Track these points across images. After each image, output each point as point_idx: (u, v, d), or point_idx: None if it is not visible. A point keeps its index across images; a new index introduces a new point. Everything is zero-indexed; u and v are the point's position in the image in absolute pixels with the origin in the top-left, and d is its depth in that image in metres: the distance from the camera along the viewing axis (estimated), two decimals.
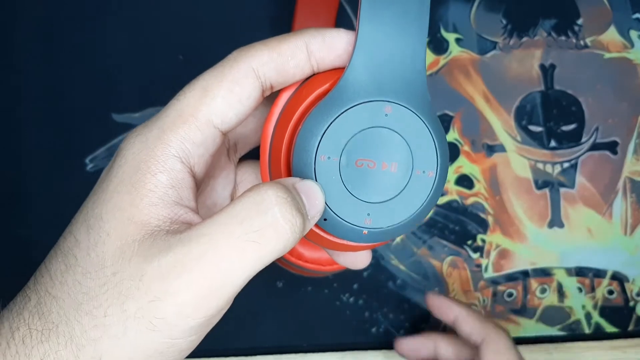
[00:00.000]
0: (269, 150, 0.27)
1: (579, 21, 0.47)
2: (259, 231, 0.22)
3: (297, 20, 0.43)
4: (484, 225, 0.45)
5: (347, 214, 0.25)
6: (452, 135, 0.46)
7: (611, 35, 0.47)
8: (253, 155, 0.30)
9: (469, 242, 0.45)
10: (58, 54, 0.45)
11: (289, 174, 0.25)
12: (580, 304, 0.45)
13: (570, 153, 0.46)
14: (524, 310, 0.45)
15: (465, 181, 0.46)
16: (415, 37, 0.25)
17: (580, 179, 0.46)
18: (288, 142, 0.25)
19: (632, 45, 0.47)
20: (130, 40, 0.45)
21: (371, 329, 0.44)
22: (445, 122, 0.46)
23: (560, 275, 0.45)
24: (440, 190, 0.26)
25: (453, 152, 0.46)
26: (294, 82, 0.26)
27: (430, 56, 0.46)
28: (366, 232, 0.25)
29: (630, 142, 0.47)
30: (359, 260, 0.29)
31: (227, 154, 0.30)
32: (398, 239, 0.45)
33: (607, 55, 0.47)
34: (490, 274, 0.45)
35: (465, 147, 0.46)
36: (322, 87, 0.25)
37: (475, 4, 0.47)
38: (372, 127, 0.24)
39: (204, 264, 0.21)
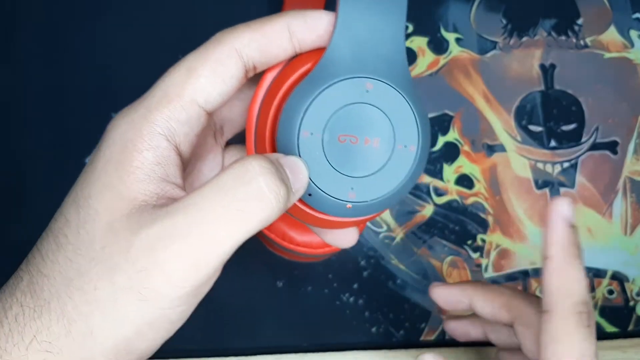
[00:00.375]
0: (255, 130, 0.27)
1: (579, 21, 0.47)
2: (244, 201, 0.22)
3: (286, 6, 0.43)
4: (484, 225, 0.45)
5: (330, 189, 0.25)
6: (452, 135, 0.46)
7: (611, 35, 0.47)
8: (241, 140, 0.30)
9: (469, 242, 0.45)
10: (58, 53, 0.45)
11: (274, 151, 0.26)
12: None
13: (570, 153, 0.46)
14: None
15: (465, 181, 0.46)
16: (394, 15, 0.25)
17: (580, 178, 0.46)
18: (272, 121, 0.26)
19: (632, 45, 0.47)
20: (130, 40, 0.45)
21: (371, 328, 0.44)
22: (445, 122, 0.46)
23: None
24: (422, 164, 0.26)
25: (453, 152, 0.46)
26: (278, 63, 0.26)
27: (430, 56, 0.46)
28: (350, 206, 0.26)
29: (630, 141, 0.47)
30: (346, 238, 0.29)
31: (214, 136, 0.30)
32: (398, 239, 0.45)
33: (607, 55, 0.47)
34: (490, 273, 0.45)
35: (465, 147, 0.46)
36: (305, 66, 0.26)
37: (475, 4, 0.47)
38: (354, 103, 0.25)
39: (190, 233, 0.22)
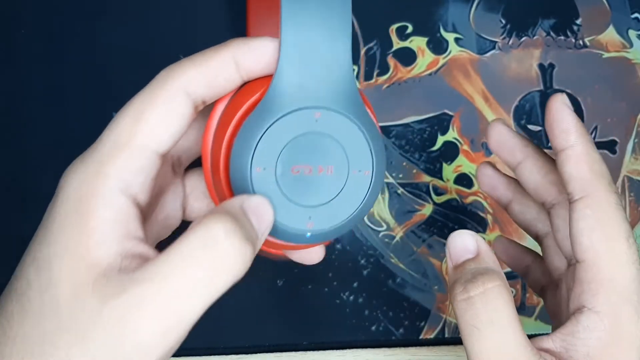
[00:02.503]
0: (211, 164, 0.27)
1: (578, 21, 0.47)
2: (210, 268, 0.22)
3: (250, 18, 0.42)
4: (483, 224, 0.46)
5: (289, 220, 0.25)
6: (452, 135, 0.46)
7: (610, 34, 0.47)
8: (199, 163, 0.30)
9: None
10: (58, 53, 0.45)
11: (230, 187, 0.26)
12: None
13: None
14: (522, 309, 0.45)
15: (464, 180, 0.46)
16: (339, 40, 0.25)
17: None
18: (225, 156, 0.26)
19: (631, 44, 0.47)
20: (130, 40, 0.45)
21: (371, 327, 0.45)
22: (444, 122, 0.46)
23: None
24: (378, 187, 0.26)
25: (452, 151, 0.46)
26: (227, 93, 0.26)
27: (429, 56, 0.46)
28: (309, 234, 0.26)
29: (629, 141, 0.47)
30: (313, 256, 0.30)
31: (172, 168, 0.30)
32: (397, 238, 0.45)
33: (606, 54, 0.47)
34: None
35: (465, 147, 0.46)
36: (253, 97, 0.25)
37: (475, 4, 0.47)
38: (304, 133, 0.25)
39: (158, 304, 0.22)
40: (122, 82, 0.45)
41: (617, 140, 0.47)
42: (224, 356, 0.44)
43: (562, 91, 0.47)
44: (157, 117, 0.24)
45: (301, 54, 0.25)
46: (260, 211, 0.24)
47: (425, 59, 0.46)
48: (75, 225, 0.23)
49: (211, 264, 0.22)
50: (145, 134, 0.24)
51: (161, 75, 0.25)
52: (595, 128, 0.47)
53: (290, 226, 0.26)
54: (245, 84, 0.26)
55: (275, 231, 0.25)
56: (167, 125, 0.24)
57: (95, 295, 0.22)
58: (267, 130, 0.24)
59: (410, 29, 0.46)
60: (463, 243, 0.29)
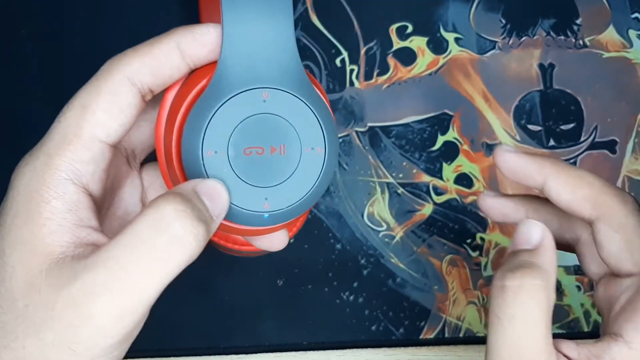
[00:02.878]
0: (164, 152, 0.27)
1: (578, 21, 0.47)
2: (162, 250, 0.22)
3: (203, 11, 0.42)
4: (483, 224, 0.46)
5: (244, 202, 0.25)
6: (452, 134, 0.46)
7: (610, 34, 0.47)
8: (154, 156, 0.30)
9: (469, 240, 0.46)
10: (58, 53, 0.45)
11: (183, 173, 0.26)
12: (578, 302, 0.46)
13: (569, 152, 0.46)
14: None
15: (464, 180, 0.46)
16: (280, 20, 0.25)
17: None
18: (177, 142, 0.26)
19: (631, 44, 0.47)
20: (131, 39, 0.45)
21: (371, 326, 0.45)
22: (444, 122, 0.46)
23: (559, 274, 0.45)
24: (332, 164, 0.26)
25: (452, 151, 0.46)
26: (175, 82, 0.26)
27: (429, 56, 0.46)
28: (267, 215, 0.26)
29: (629, 141, 0.47)
30: (276, 242, 0.29)
31: (127, 161, 0.30)
32: (397, 238, 0.45)
33: (606, 54, 0.47)
34: (489, 272, 0.45)
35: (465, 146, 0.46)
36: (200, 83, 0.25)
37: (475, 4, 0.47)
38: (253, 114, 0.25)
39: (112, 287, 0.22)
40: None
41: (617, 140, 0.47)
42: (224, 356, 0.44)
43: (562, 91, 0.47)
44: (103, 107, 0.24)
45: (244, 37, 0.25)
46: (214, 193, 0.24)
47: (425, 59, 0.46)
48: (28, 217, 0.23)
49: (163, 245, 0.22)
50: (93, 125, 0.24)
51: (105, 66, 0.25)
52: (595, 128, 0.47)
53: (246, 208, 0.25)
54: (193, 71, 0.26)
55: (232, 214, 0.25)
56: (113, 115, 0.24)
57: (48, 284, 0.22)
58: (215, 113, 0.24)
59: (410, 28, 0.46)
60: (528, 232, 0.28)
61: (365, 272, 0.45)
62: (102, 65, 0.43)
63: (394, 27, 0.46)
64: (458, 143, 0.46)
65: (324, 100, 0.26)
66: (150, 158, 0.31)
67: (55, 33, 0.45)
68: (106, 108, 0.24)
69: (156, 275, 0.22)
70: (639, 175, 0.47)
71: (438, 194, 0.46)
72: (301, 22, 0.46)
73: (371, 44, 0.46)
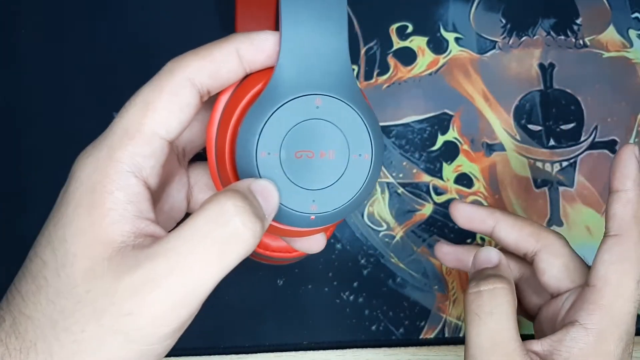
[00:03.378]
0: (215, 152, 0.28)
1: (578, 20, 0.47)
2: (222, 243, 0.23)
3: (239, 15, 0.43)
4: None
5: (293, 203, 0.26)
6: (452, 134, 0.46)
7: (610, 34, 0.47)
8: (203, 156, 0.31)
9: (468, 240, 0.46)
10: (59, 52, 0.45)
11: (235, 173, 0.27)
12: None
13: (569, 152, 0.46)
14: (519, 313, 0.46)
15: (464, 180, 0.46)
16: (335, 30, 0.26)
17: (579, 177, 0.46)
18: (230, 143, 0.27)
19: (631, 44, 0.47)
20: (131, 39, 0.45)
21: (371, 326, 0.45)
22: (444, 121, 0.46)
23: None
24: (378, 170, 0.28)
25: (452, 150, 0.46)
26: (231, 85, 0.27)
27: (429, 56, 0.46)
28: (313, 217, 0.27)
29: (629, 141, 0.47)
30: (315, 244, 0.31)
31: (177, 159, 0.31)
32: (397, 238, 0.45)
33: (606, 54, 0.47)
34: None
35: (465, 146, 0.46)
36: (256, 87, 0.27)
37: (475, 4, 0.47)
38: (306, 120, 0.26)
39: (173, 277, 0.23)
40: (122, 82, 0.45)
41: (618, 139, 0.47)
42: (224, 356, 0.44)
43: (562, 91, 0.47)
44: (165, 106, 0.25)
45: (300, 46, 0.26)
46: (267, 193, 0.25)
47: (426, 59, 0.46)
48: (90, 206, 0.24)
49: (223, 239, 0.23)
50: (155, 121, 0.25)
51: (167, 66, 0.26)
52: (596, 128, 0.47)
53: (294, 209, 0.26)
54: (247, 76, 0.27)
55: (280, 215, 0.26)
56: (174, 113, 0.25)
57: (110, 271, 0.23)
58: (271, 116, 0.25)
59: (410, 28, 0.47)
60: (488, 255, 0.35)
61: (365, 272, 0.45)
62: (102, 64, 0.43)
63: (394, 26, 0.46)
64: (458, 143, 0.46)
65: (371, 108, 0.27)
66: (197, 157, 0.32)
67: (55, 33, 0.45)
68: (167, 106, 0.25)
69: (214, 267, 0.23)
70: None
71: (438, 193, 0.46)
72: None
73: (371, 44, 0.46)
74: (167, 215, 0.31)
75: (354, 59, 0.46)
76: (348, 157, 0.27)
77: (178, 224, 0.31)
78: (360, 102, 0.27)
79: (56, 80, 0.45)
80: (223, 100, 0.28)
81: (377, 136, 0.27)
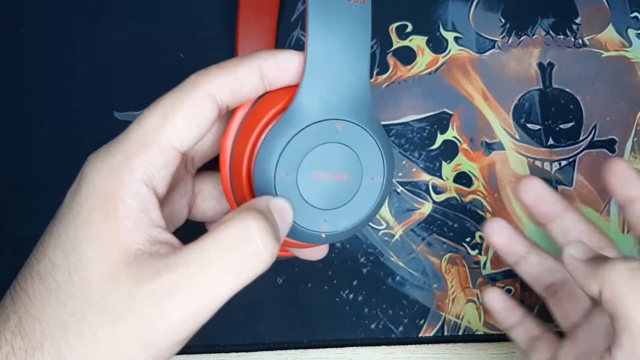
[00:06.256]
0: (230, 166, 0.28)
1: (578, 20, 0.47)
2: (243, 261, 0.24)
3: (240, 25, 0.43)
4: (482, 223, 0.46)
5: (306, 222, 0.27)
6: (451, 133, 0.46)
7: (609, 34, 0.47)
8: (208, 165, 0.32)
9: (468, 239, 0.46)
10: (60, 52, 0.45)
11: (251, 189, 0.27)
12: None
13: (568, 151, 0.46)
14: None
15: (463, 179, 0.46)
16: (359, 58, 0.27)
17: (578, 176, 0.46)
18: (248, 160, 0.27)
19: (630, 43, 0.47)
20: (132, 39, 0.45)
21: (370, 325, 0.45)
22: (444, 120, 0.46)
23: None
24: (387, 192, 0.29)
25: (452, 150, 0.46)
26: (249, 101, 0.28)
27: (429, 55, 0.46)
28: (324, 235, 0.28)
29: (628, 140, 0.47)
30: (318, 253, 0.32)
31: (185, 167, 0.31)
32: (397, 236, 0.45)
33: (605, 53, 0.47)
34: (488, 270, 0.46)
35: (464, 145, 0.46)
36: (277, 106, 0.27)
37: (474, 3, 0.47)
38: (325, 143, 0.27)
39: (192, 289, 0.23)
40: (123, 81, 0.45)
41: (616, 139, 0.47)
42: (224, 354, 0.44)
43: (561, 90, 0.47)
44: (184, 118, 0.26)
45: (325, 70, 0.26)
46: (283, 212, 0.26)
47: (425, 58, 0.46)
48: (106, 213, 0.24)
49: (244, 257, 0.24)
50: (172, 133, 0.25)
51: (191, 79, 0.26)
52: (594, 127, 0.47)
53: (307, 228, 0.27)
54: (265, 93, 0.28)
55: (292, 232, 0.27)
56: (191, 126, 0.26)
57: (128, 278, 0.23)
58: (292, 138, 0.26)
59: (409, 27, 0.47)
60: (588, 249, 0.31)
61: (364, 270, 0.45)
62: (103, 63, 0.43)
63: (393, 26, 0.47)
64: (457, 142, 0.46)
65: (386, 134, 0.28)
66: (204, 166, 0.32)
67: (55, 32, 0.45)
68: (186, 119, 0.26)
69: (231, 283, 0.24)
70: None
71: (437, 192, 0.46)
72: (301, 21, 0.46)
73: (371, 43, 0.46)
74: (168, 221, 0.31)
75: None
76: (361, 179, 0.28)
77: (177, 230, 0.32)
78: (377, 128, 0.27)
79: (56, 80, 0.45)
80: (240, 115, 0.28)
81: (390, 161, 0.28)
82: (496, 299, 0.39)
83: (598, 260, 0.30)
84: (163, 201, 0.30)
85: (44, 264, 0.24)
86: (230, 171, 0.28)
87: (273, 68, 0.26)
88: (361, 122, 0.27)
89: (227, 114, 0.29)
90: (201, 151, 0.31)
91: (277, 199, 0.26)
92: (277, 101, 0.27)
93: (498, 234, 0.37)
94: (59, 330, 0.23)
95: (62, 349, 0.23)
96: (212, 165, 0.32)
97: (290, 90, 0.27)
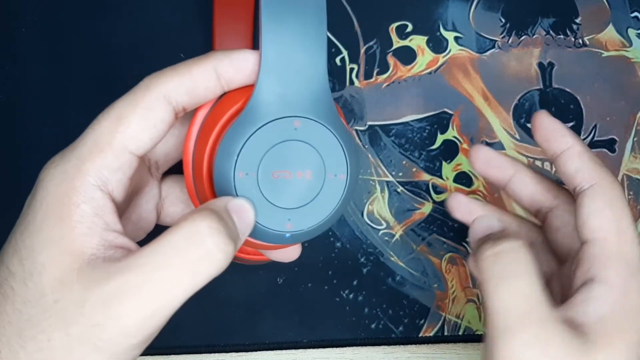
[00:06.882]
0: (192, 168, 0.28)
1: (578, 20, 0.47)
2: (194, 262, 0.23)
3: (216, 22, 0.43)
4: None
5: (269, 222, 0.27)
6: (451, 133, 0.46)
7: (609, 33, 0.47)
8: (175, 169, 0.31)
9: (468, 239, 0.46)
10: (60, 52, 0.45)
11: (212, 191, 0.27)
12: None
13: None
14: None
15: (464, 178, 0.46)
16: (315, 53, 0.26)
17: None
18: (208, 161, 0.27)
19: (630, 43, 0.47)
20: (132, 39, 0.45)
21: (370, 324, 0.45)
22: (444, 120, 0.46)
23: None
24: (352, 189, 0.28)
25: (452, 149, 0.46)
26: (208, 102, 0.28)
27: (429, 55, 0.46)
28: (289, 235, 0.27)
29: (628, 140, 0.47)
30: (289, 254, 0.31)
31: (149, 171, 0.31)
32: (397, 236, 0.45)
33: (605, 53, 0.47)
34: None
35: (464, 145, 0.46)
36: (235, 106, 0.27)
37: (474, 3, 0.47)
38: (284, 141, 0.26)
39: (144, 291, 0.23)
40: (123, 81, 0.45)
41: (617, 138, 0.47)
42: (224, 354, 0.44)
43: (561, 90, 0.47)
44: (138, 121, 0.25)
45: (280, 67, 0.26)
46: (242, 212, 0.25)
47: (425, 58, 0.46)
48: (58, 217, 0.24)
49: (195, 258, 0.23)
50: (125, 136, 0.25)
51: (144, 81, 0.26)
52: (595, 127, 0.47)
53: (270, 227, 0.27)
54: (225, 93, 0.27)
55: (256, 232, 0.27)
56: (146, 129, 0.26)
57: (80, 282, 0.23)
58: (249, 137, 0.26)
59: (410, 27, 0.47)
60: (489, 223, 0.33)
61: (364, 270, 0.45)
62: (103, 63, 0.43)
63: (393, 26, 0.47)
64: (457, 142, 0.46)
65: (349, 129, 0.28)
66: (170, 170, 0.32)
67: (55, 32, 0.45)
68: (140, 121, 0.25)
69: (184, 284, 0.23)
70: (637, 174, 0.47)
71: (437, 192, 0.46)
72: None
73: (371, 43, 0.46)
74: (135, 226, 0.31)
75: (354, 57, 0.46)
76: (324, 177, 0.27)
77: (148, 234, 0.32)
78: (337, 124, 0.27)
79: (56, 80, 0.45)
80: (200, 116, 0.28)
81: (353, 156, 0.28)
82: (456, 200, 0.37)
83: (482, 241, 0.31)
84: (126, 205, 0.30)
85: (1, 271, 0.24)
86: (193, 173, 0.28)
87: (228, 68, 0.26)
88: (320, 119, 0.27)
89: (188, 116, 0.28)
90: (165, 154, 0.31)
91: (236, 199, 0.26)
92: (236, 101, 0.27)
93: (479, 158, 0.35)
94: (16, 336, 0.23)
95: (19, 355, 0.23)
96: (179, 169, 0.32)
97: (248, 90, 0.26)
